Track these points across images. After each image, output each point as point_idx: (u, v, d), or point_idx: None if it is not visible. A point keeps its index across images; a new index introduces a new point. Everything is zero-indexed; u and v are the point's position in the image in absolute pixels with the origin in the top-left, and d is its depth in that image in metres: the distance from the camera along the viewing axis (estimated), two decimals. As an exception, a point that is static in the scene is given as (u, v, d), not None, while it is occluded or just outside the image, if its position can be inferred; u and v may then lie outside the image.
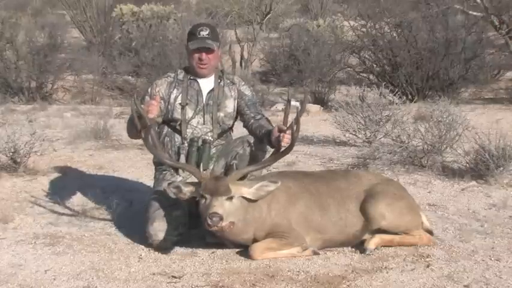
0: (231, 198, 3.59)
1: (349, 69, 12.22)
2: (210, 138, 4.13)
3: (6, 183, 5.31)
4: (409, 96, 10.70)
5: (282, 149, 3.74)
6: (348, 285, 3.37)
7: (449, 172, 5.63)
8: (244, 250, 3.75)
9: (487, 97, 11.59)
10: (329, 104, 10.79)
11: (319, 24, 16.90)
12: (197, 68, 4.15)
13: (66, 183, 5.32)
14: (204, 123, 4.17)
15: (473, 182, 5.35)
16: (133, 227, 4.15)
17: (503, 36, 11.31)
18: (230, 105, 4.22)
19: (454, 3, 11.36)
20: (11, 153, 5.61)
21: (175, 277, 3.46)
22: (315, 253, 3.76)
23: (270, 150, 3.93)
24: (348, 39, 12.99)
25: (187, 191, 3.75)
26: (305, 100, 3.95)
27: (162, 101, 4.13)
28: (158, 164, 4.21)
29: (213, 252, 3.83)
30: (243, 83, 4.30)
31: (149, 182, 4.94)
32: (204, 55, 4.11)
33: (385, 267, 3.59)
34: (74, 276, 3.48)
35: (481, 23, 11.54)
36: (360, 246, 3.84)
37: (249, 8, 18.06)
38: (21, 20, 15.66)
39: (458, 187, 5.28)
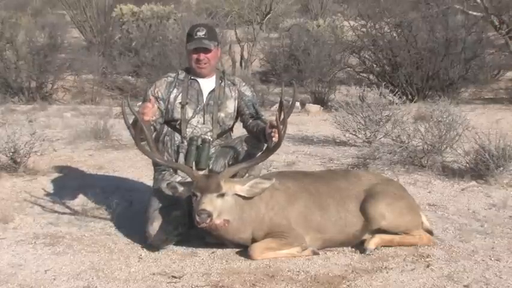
0: (222, 195, 3.59)
1: (349, 69, 12.22)
2: (209, 137, 4.14)
3: (6, 183, 5.31)
4: (409, 96, 10.70)
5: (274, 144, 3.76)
6: (348, 285, 3.38)
7: (449, 172, 5.63)
8: (244, 250, 3.75)
9: (487, 97, 11.59)
10: (329, 104, 10.79)
11: (319, 24, 16.90)
12: (196, 68, 4.17)
13: (66, 183, 5.33)
14: (204, 123, 4.18)
15: (473, 182, 5.35)
16: (133, 227, 4.16)
17: (503, 36, 11.31)
18: (231, 106, 4.23)
19: (454, 3, 11.36)
20: (11, 153, 5.61)
21: (175, 277, 3.47)
22: (315, 253, 3.76)
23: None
24: (348, 39, 12.99)
25: (182, 190, 3.77)
26: (294, 97, 3.94)
27: (161, 102, 4.15)
28: (157, 164, 4.21)
29: (213, 252, 3.83)
30: (243, 84, 4.31)
31: (149, 182, 4.94)
32: (202, 55, 4.12)
33: (385, 267, 3.59)
34: (74, 276, 3.48)
35: (481, 23, 11.54)
36: (360, 246, 3.84)
37: (249, 8, 18.04)
38: (21, 20, 15.68)
39: (458, 187, 5.28)
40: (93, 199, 4.84)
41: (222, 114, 4.20)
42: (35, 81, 11.60)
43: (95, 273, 3.52)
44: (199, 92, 4.20)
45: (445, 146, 6.04)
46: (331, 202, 3.85)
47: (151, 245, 3.88)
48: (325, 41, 13.85)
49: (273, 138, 3.74)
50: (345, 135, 7.21)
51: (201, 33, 4.12)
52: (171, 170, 4.14)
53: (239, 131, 4.36)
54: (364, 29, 11.75)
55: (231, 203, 3.65)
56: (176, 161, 4.08)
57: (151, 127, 4.07)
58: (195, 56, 4.13)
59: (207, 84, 4.22)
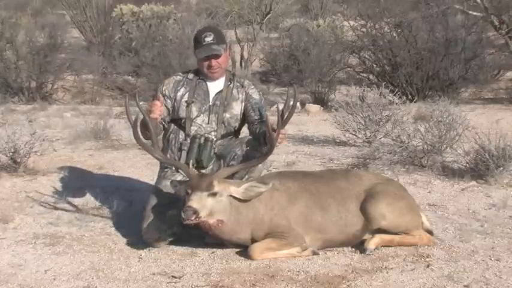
0: (214, 194, 3.59)
1: (349, 69, 12.22)
2: (212, 137, 4.15)
3: (6, 183, 5.31)
4: (409, 96, 10.70)
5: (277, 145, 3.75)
6: (348, 285, 3.38)
7: (449, 172, 5.63)
8: (244, 250, 3.75)
9: (487, 97, 11.58)
10: (329, 104, 10.79)
11: (319, 24, 16.89)
12: (208, 73, 4.19)
13: (66, 183, 5.33)
14: (208, 123, 4.19)
15: (473, 182, 5.35)
16: (133, 227, 4.15)
17: (503, 36, 11.31)
18: (237, 107, 4.24)
19: (454, 3, 11.36)
20: (11, 153, 5.61)
21: (175, 277, 3.47)
22: (315, 253, 3.76)
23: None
24: (348, 39, 12.98)
25: (179, 188, 3.80)
26: (294, 100, 3.90)
27: (168, 100, 4.18)
28: (161, 162, 4.23)
29: (213, 252, 3.83)
30: (252, 87, 4.30)
31: (149, 182, 4.94)
32: (213, 61, 4.13)
33: (385, 267, 3.59)
34: (74, 276, 3.48)
35: (481, 23, 11.54)
36: (360, 246, 3.84)
37: (249, 8, 18.03)
38: (21, 20, 15.68)
39: (458, 187, 5.28)
40: (93, 199, 4.84)
41: (227, 115, 4.21)
42: (35, 81, 11.60)
43: (95, 273, 3.52)
44: (206, 92, 4.22)
45: (445, 146, 6.04)
46: (332, 202, 3.85)
47: (145, 243, 3.90)
48: (325, 41, 13.85)
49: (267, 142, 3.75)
50: (345, 135, 7.21)
51: (209, 39, 4.11)
52: (173, 168, 4.15)
53: (245, 134, 4.36)
54: (364, 29, 11.75)
55: (225, 203, 3.65)
56: (179, 158, 4.09)
57: (161, 125, 4.10)
58: (206, 63, 4.14)
59: (215, 85, 4.24)
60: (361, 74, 11.84)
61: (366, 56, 11.73)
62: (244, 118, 4.28)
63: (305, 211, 3.80)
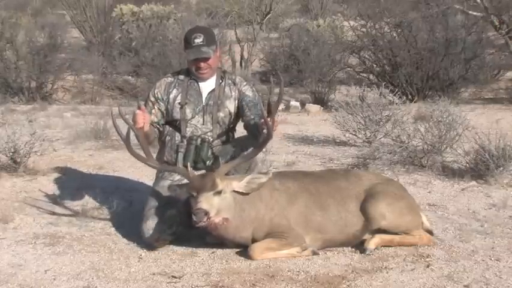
0: (219, 192, 3.59)
1: (349, 69, 12.21)
2: (209, 138, 4.14)
3: (6, 183, 5.31)
4: (409, 96, 10.70)
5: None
6: (348, 285, 3.38)
7: (449, 172, 5.63)
8: (244, 250, 3.75)
9: (487, 97, 11.58)
10: (329, 104, 10.78)
11: (319, 24, 16.87)
12: (198, 74, 4.17)
13: (66, 183, 5.33)
14: (203, 123, 4.18)
15: (473, 182, 5.35)
16: (133, 227, 4.15)
17: (503, 36, 11.31)
18: (230, 106, 4.22)
19: (454, 3, 11.35)
20: (11, 153, 5.61)
21: (175, 277, 3.47)
22: (315, 253, 3.76)
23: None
24: (348, 39, 12.98)
25: (179, 192, 3.79)
26: (281, 87, 3.86)
27: (161, 102, 4.17)
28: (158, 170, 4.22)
29: (213, 252, 3.83)
30: (244, 83, 4.28)
31: (149, 182, 4.94)
32: (201, 64, 4.11)
33: (385, 267, 3.59)
34: (74, 276, 3.48)
35: (481, 23, 11.54)
36: (360, 246, 3.84)
37: (249, 8, 18.02)
38: (21, 20, 15.67)
39: (458, 187, 5.28)
40: (93, 199, 4.84)
41: (221, 114, 4.20)
42: (35, 81, 11.59)
43: (95, 273, 3.52)
44: (199, 92, 4.20)
45: (445, 146, 6.04)
46: (332, 202, 3.85)
47: (145, 243, 3.90)
48: (325, 41, 13.82)
49: (263, 131, 3.71)
50: (345, 135, 7.21)
51: (198, 40, 4.08)
52: (172, 174, 4.14)
53: (241, 131, 4.36)
54: (364, 29, 11.75)
55: (229, 200, 3.65)
56: (175, 160, 4.08)
57: (155, 129, 4.10)
58: (195, 64, 4.13)
59: (207, 85, 4.21)
60: (361, 74, 11.84)
61: (366, 56, 11.73)
62: (239, 115, 4.25)
63: (305, 211, 3.80)
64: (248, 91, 4.25)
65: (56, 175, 5.59)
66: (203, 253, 3.83)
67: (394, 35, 11.46)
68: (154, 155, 4.11)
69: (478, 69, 11.84)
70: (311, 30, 15.81)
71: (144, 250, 3.88)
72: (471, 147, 5.76)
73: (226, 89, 4.22)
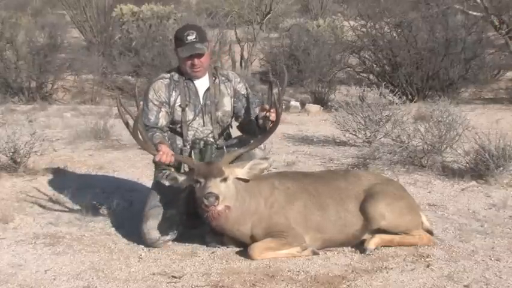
0: (225, 179, 3.62)
1: (349, 69, 12.21)
2: (211, 139, 4.14)
3: (6, 183, 5.31)
4: (409, 96, 10.70)
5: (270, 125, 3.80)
6: (348, 285, 3.38)
7: (449, 172, 5.63)
8: (244, 250, 3.76)
9: (487, 97, 11.57)
10: (329, 104, 10.78)
11: (319, 24, 16.87)
12: (192, 73, 4.14)
13: (66, 183, 5.32)
14: (204, 125, 4.17)
15: (473, 182, 5.35)
16: (133, 227, 4.15)
17: (503, 36, 11.31)
18: (228, 104, 4.23)
19: (454, 3, 11.36)
20: (11, 153, 5.61)
21: (175, 277, 3.47)
22: (315, 253, 3.76)
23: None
24: (348, 39, 12.99)
25: (182, 180, 3.78)
26: (285, 77, 3.91)
27: (166, 105, 4.13)
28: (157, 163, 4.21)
29: (213, 252, 3.83)
30: (238, 80, 4.27)
31: (149, 182, 4.94)
32: (196, 60, 4.08)
33: (385, 267, 3.59)
34: (74, 276, 3.48)
35: (481, 23, 11.53)
36: (360, 246, 3.84)
37: (249, 8, 18.04)
38: (21, 20, 15.65)
39: (458, 187, 5.28)
40: (93, 199, 4.83)
41: (219, 114, 4.20)
42: (35, 81, 11.58)
43: (95, 273, 3.52)
44: (196, 92, 4.19)
45: (445, 146, 6.04)
46: (331, 202, 3.85)
47: (145, 243, 3.90)
48: (325, 41, 13.82)
49: (270, 118, 3.76)
50: (345, 135, 7.21)
51: (191, 37, 4.05)
52: (172, 169, 4.13)
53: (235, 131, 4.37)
54: (364, 29, 11.74)
55: (233, 188, 3.69)
56: (179, 165, 4.06)
57: (165, 134, 4.12)
58: (189, 61, 4.09)
59: (202, 83, 4.20)
60: (361, 74, 11.84)
61: (366, 56, 11.73)
62: (234, 113, 4.27)
63: (304, 211, 3.80)
64: (242, 89, 4.26)
65: (56, 175, 5.58)
66: (203, 253, 3.83)
67: (394, 35, 11.45)
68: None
69: (478, 69, 11.83)
70: (311, 30, 15.81)
71: (144, 250, 3.88)
72: (471, 147, 5.76)
73: (222, 87, 4.22)
